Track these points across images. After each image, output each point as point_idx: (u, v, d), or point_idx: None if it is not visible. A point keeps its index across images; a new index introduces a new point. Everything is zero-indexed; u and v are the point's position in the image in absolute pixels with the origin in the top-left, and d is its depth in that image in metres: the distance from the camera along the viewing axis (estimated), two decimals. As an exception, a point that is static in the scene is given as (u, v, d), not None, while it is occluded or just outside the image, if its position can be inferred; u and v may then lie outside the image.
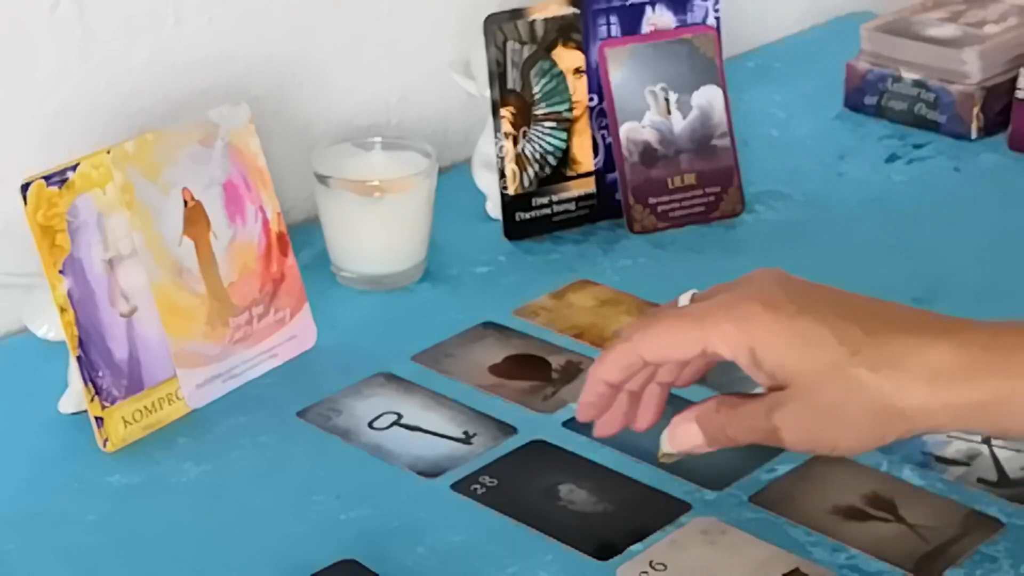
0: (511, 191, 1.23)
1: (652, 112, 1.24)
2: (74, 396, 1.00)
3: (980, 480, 0.94)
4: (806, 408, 0.81)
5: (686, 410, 0.87)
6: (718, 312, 0.84)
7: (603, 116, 1.25)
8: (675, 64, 1.25)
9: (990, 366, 0.79)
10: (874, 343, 0.80)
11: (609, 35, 1.24)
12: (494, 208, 1.25)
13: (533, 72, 1.22)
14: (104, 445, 0.98)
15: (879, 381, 0.80)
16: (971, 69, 1.38)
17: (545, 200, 1.24)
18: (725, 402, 0.86)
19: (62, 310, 0.96)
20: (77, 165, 0.97)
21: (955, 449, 0.96)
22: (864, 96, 1.44)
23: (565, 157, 1.24)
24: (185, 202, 1.02)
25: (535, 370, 1.07)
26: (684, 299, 0.88)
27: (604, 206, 1.26)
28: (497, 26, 1.20)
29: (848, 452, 0.83)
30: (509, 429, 1.00)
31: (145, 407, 1.00)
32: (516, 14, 1.21)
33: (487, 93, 1.21)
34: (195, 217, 1.03)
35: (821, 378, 0.81)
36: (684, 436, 0.86)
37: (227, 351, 1.04)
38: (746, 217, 1.27)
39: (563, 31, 1.22)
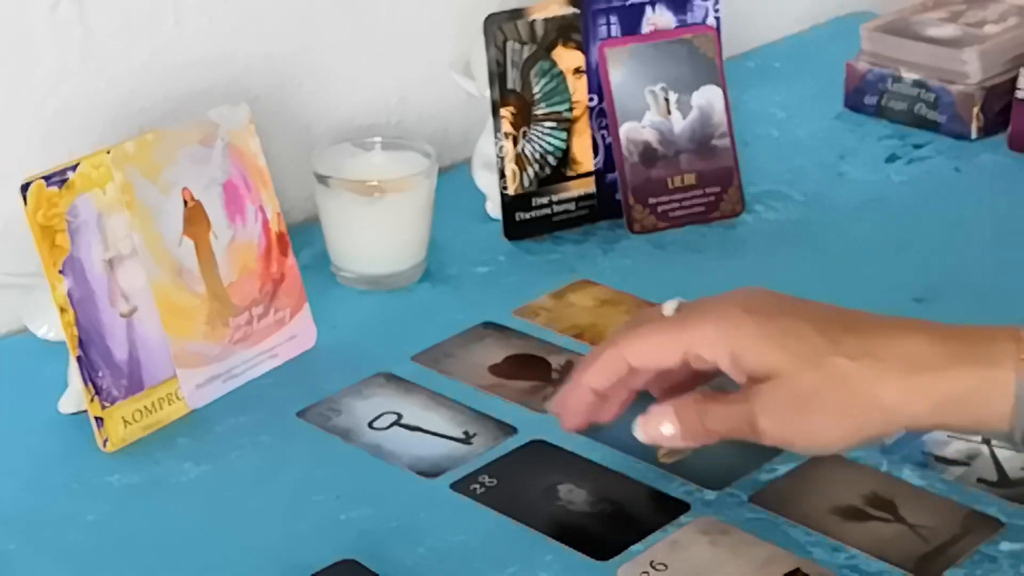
0: (511, 191, 1.23)
1: (652, 112, 1.24)
2: (74, 396, 1.00)
3: (980, 480, 0.94)
4: (784, 394, 0.82)
5: (664, 403, 0.88)
6: (700, 316, 0.86)
7: (603, 116, 1.25)
8: (675, 64, 1.25)
9: (966, 356, 0.80)
10: (854, 335, 0.82)
11: (609, 35, 1.24)
12: (494, 208, 1.25)
13: (533, 72, 1.22)
14: (104, 445, 0.98)
15: (858, 369, 0.81)
16: (971, 69, 1.38)
17: (545, 200, 1.24)
18: (705, 394, 0.87)
19: (62, 310, 0.96)
20: (77, 165, 0.97)
21: (955, 449, 0.96)
22: (864, 96, 1.44)
23: (565, 157, 1.24)
24: (185, 202, 1.02)
25: (535, 370, 1.07)
26: (669, 307, 0.89)
27: (604, 206, 1.26)
28: (497, 26, 1.20)
29: (827, 445, 0.84)
30: (509, 429, 1.00)
31: (145, 407, 1.00)
32: (516, 14, 1.21)
33: (487, 93, 1.21)
34: (195, 217, 1.03)
35: (800, 365, 0.82)
36: (658, 426, 0.87)
37: (227, 351, 1.04)
38: (746, 217, 1.27)
39: (563, 31, 1.22)
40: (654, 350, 0.87)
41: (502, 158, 1.22)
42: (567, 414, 0.91)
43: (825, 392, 0.81)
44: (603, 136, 1.25)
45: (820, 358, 0.81)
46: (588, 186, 1.25)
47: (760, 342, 0.83)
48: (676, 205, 1.25)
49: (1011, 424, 0.80)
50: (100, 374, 0.98)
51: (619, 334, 0.89)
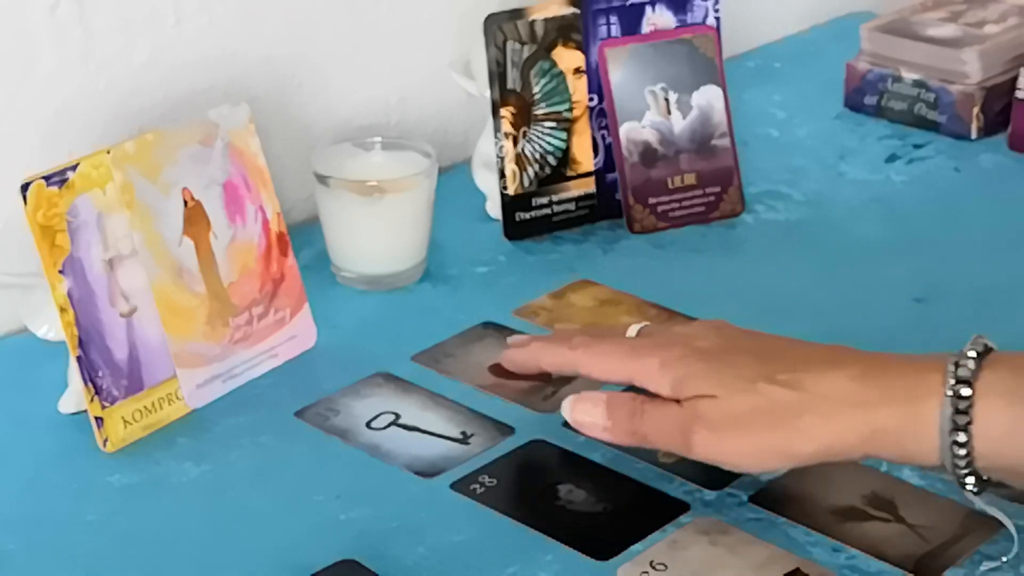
0: (511, 191, 1.23)
1: (652, 112, 1.24)
2: (74, 396, 1.00)
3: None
4: (720, 411, 0.86)
5: (599, 392, 0.92)
6: (650, 349, 0.90)
7: (603, 116, 1.25)
8: (675, 64, 1.25)
9: (892, 393, 0.83)
10: (789, 369, 0.85)
11: (609, 35, 1.24)
12: (494, 208, 1.25)
13: (533, 72, 1.22)
14: (104, 445, 0.98)
15: (788, 399, 0.84)
16: (971, 69, 1.38)
17: (545, 200, 1.24)
18: (643, 396, 0.90)
19: (62, 310, 0.96)
20: (77, 165, 0.97)
21: (955, 449, 0.96)
22: (864, 96, 1.44)
23: (565, 157, 1.24)
24: (185, 202, 1.02)
25: (535, 370, 1.07)
26: (632, 331, 0.94)
27: (604, 206, 1.26)
28: (497, 26, 1.20)
29: (752, 467, 0.88)
30: (507, 429, 1.00)
31: (145, 407, 1.00)
32: (516, 14, 1.21)
33: (487, 93, 1.21)
34: (195, 217, 1.03)
35: (737, 390, 0.85)
36: (587, 410, 0.92)
37: (227, 351, 1.04)
38: (746, 217, 1.27)
39: (563, 31, 1.22)
40: (603, 369, 0.92)
41: (502, 158, 1.22)
42: (512, 357, 0.98)
43: (757, 414, 0.85)
44: (603, 136, 1.25)
45: (753, 384, 0.85)
46: (588, 186, 1.25)
47: (700, 375, 0.87)
48: (676, 205, 1.25)
49: (939, 458, 0.83)
50: (100, 374, 0.98)
51: (581, 341, 0.94)
